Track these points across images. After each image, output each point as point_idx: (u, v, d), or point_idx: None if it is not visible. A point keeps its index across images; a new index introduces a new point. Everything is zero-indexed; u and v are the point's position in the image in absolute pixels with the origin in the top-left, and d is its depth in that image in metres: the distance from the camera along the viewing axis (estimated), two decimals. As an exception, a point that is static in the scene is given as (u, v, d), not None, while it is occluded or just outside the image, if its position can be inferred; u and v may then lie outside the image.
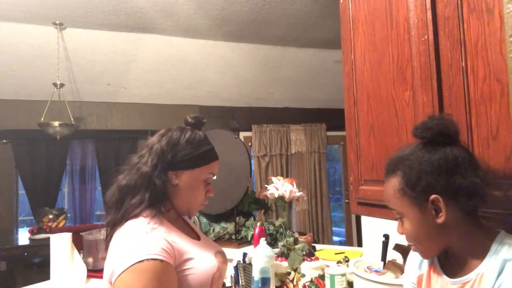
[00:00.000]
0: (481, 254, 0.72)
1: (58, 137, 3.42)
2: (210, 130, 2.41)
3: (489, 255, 0.71)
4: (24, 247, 3.70)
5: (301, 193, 2.11)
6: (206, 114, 4.60)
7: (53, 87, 3.49)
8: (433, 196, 0.72)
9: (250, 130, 4.74)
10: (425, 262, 0.87)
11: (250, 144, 4.68)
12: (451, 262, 0.79)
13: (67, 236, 1.71)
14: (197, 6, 2.98)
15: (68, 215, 4.37)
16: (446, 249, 0.80)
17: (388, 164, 0.81)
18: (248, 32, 3.55)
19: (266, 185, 2.19)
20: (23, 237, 4.00)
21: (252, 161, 4.39)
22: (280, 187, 2.09)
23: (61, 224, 3.99)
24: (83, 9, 2.97)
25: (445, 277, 0.79)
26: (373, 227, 1.67)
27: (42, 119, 3.47)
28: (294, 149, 4.86)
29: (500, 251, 0.70)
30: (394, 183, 0.78)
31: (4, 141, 4.24)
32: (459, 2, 0.85)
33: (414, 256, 0.91)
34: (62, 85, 3.52)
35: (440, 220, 0.73)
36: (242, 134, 4.69)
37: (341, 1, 1.37)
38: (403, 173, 0.76)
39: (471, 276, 0.73)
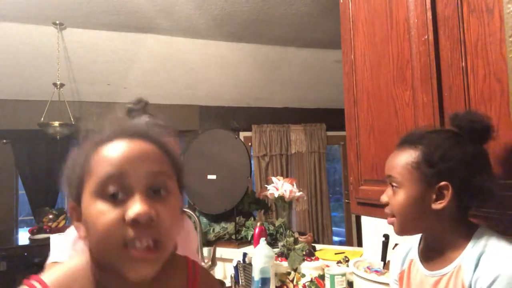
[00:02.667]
0: (461, 247, 0.73)
1: (58, 137, 3.42)
2: (210, 130, 2.41)
3: (467, 248, 0.72)
4: (24, 247, 3.71)
5: (301, 193, 2.12)
6: (206, 114, 4.61)
7: (53, 87, 3.49)
8: (444, 183, 0.72)
9: (250, 130, 4.74)
10: (407, 259, 0.88)
11: (250, 144, 4.68)
12: (431, 256, 0.80)
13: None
14: (197, 6, 2.98)
15: (68, 215, 4.36)
16: (427, 242, 0.82)
17: (408, 135, 0.82)
18: (248, 32, 3.55)
19: (266, 185, 2.19)
20: (23, 237, 4.00)
21: (252, 161, 4.39)
22: (280, 187, 2.09)
23: (61, 224, 3.99)
24: (83, 9, 2.96)
25: (424, 270, 0.80)
26: (373, 227, 1.67)
27: (42, 119, 3.46)
28: (294, 149, 4.86)
29: (478, 245, 0.71)
30: (410, 154, 0.77)
31: (4, 141, 4.24)
32: (459, 2, 0.85)
33: (397, 254, 0.93)
34: (62, 85, 3.52)
35: (437, 206, 0.74)
36: (242, 134, 4.69)
37: (341, 1, 1.37)
38: (426, 149, 0.75)
39: (448, 268, 0.74)
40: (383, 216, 1.11)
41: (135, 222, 0.51)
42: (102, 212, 0.52)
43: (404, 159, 0.78)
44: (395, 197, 0.79)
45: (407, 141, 0.80)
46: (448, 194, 0.72)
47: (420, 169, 0.75)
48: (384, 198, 0.82)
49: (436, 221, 0.76)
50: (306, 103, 4.87)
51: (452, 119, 0.77)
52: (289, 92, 4.64)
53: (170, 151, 0.61)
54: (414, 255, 0.85)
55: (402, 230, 0.81)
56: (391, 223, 0.81)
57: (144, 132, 0.60)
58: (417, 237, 0.88)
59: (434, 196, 0.74)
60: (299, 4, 3.03)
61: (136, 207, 0.51)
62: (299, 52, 4.04)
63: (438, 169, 0.73)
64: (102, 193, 0.53)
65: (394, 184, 0.79)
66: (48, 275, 0.58)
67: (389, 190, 0.81)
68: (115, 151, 0.56)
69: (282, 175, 4.08)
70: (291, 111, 4.91)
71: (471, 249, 0.71)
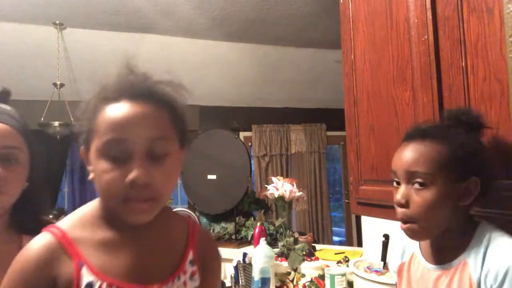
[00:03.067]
0: (465, 242, 0.73)
1: (58, 137, 3.42)
2: (210, 130, 2.41)
3: (472, 243, 0.72)
4: (24, 247, 3.70)
5: (301, 193, 2.11)
6: (206, 114, 4.60)
7: (53, 87, 3.49)
8: (475, 178, 0.71)
9: (250, 130, 4.74)
10: (407, 251, 0.87)
11: (250, 144, 4.68)
12: (434, 250, 0.79)
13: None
14: (197, 6, 2.98)
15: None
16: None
17: (426, 129, 0.76)
18: (248, 32, 3.55)
19: (266, 185, 2.19)
20: (23, 237, 4.00)
21: (252, 161, 4.39)
22: (280, 187, 2.09)
23: (61, 224, 3.99)
24: (83, 9, 2.96)
25: (426, 264, 0.79)
26: (373, 227, 1.67)
27: (42, 119, 3.46)
28: (294, 149, 4.86)
29: (482, 240, 0.71)
30: (437, 149, 0.71)
31: (4, 141, 4.24)
32: (459, 2, 0.85)
33: (396, 247, 0.92)
34: (62, 85, 3.51)
35: (465, 203, 0.72)
36: (242, 134, 4.69)
37: (341, 1, 1.37)
38: (455, 144, 0.71)
39: (453, 263, 0.73)
40: (383, 216, 1.11)
41: (134, 184, 0.58)
42: (105, 170, 0.59)
43: (432, 154, 0.71)
44: (421, 197, 0.71)
45: (428, 135, 0.74)
46: (476, 190, 0.71)
47: (450, 165, 0.71)
48: (401, 199, 0.73)
49: (456, 218, 0.74)
50: (306, 103, 4.87)
51: (458, 116, 0.76)
52: (289, 92, 4.64)
53: (176, 110, 0.65)
54: (416, 248, 0.84)
55: (427, 234, 0.75)
56: (410, 229, 0.74)
57: (149, 92, 0.63)
58: None
59: (461, 193, 0.71)
60: (299, 4, 3.03)
61: (134, 171, 0.57)
62: (299, 52, 4.04)
63: (469, 164, 0.71)
64: (105, 154, 0.59)
65: (420, 181, 0.71)
66: (63, 221, 0.65)
67: (404, 189, 0.74)
68: (118, 114, 0.60)
69: (282, 175, 4.08)
70: (291, 111, 4.91)
71: (476, 244, 0.71)
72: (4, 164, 0.81)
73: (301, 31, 3.56)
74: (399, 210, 0.75)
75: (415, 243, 0.85)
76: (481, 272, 0.68)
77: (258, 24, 3.38)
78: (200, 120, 4.58)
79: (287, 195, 2.07)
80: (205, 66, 3.99)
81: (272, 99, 4.72)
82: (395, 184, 0.78)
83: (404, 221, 0.74)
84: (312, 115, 4.93)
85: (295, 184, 2.13)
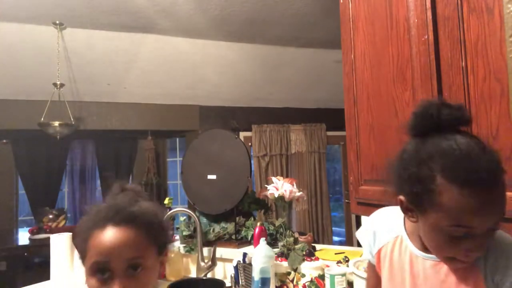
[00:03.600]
0: None
1: (58, 137, 3.42)
2: (210, 130, 2.41)
3: None
4: (24, 247, 3.71)
5: (301, 193, 2.11)
6: (206, 114, 4.60)
7: (53, 87, 3.49)
8: None
9: (250, 130, 4.74)
10: (390, 234, 0.83)
11: (250, 144, 4.68)
12: (417, 236, 0.76)
13: (67, 236, 1.71)
14: (197, 6, 2.98)
15: (68, 215, 4.37)
16: None
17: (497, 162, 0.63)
18: (248, 32, 3.55)
19: (266, 185, 2.19)
20: (23, 237, 4.00)
21: (252, 161, 4.39)
22: (280, 187, 2.09)
23: (61, 224, 3.99)
24: (83, 9, 2.97)
25: (416, 250, 0.76)
26: (373, 227, 1.67)
27: (42, 119, 3.46)
28: (294, 149, 4.86)
29: None
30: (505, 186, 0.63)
31: (4, 141, 4.25)
32: (459, 2, 0.85)
33: (377, 229, 0.87)
34: (62, 85, 3.52)
35: None
36: (242, 134, 4.69)
37: (341, 1, 1.37)
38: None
39: None
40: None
41: None
42: (93, 287, 0.71)
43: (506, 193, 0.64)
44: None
45: (499, 171, 0.63)
46: None
47: None
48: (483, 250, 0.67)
49: None
50: (306, 103, 4.87)
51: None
52: (289, 92, 4.64)
53: (154, 229, 0.77)
54: (401, 231, 0.80)
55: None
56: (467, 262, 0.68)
57: (130, 218, 0.74)
58: (400, 212, 0.77)
59: None
60: (299, 4, 3.03)
61: (115, 286, 0.69)
62: (299, 52, 4.04)
63: None
64: (92, 273, 0.71)
65: (496, 228, 0.65)
66: None
67: (482, 240, 0.65)
68: (103, 240, 0.72)
69: (282, 175, 4.08)
70: (291, 111, 4.91)
71: None
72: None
73: (301, 31, 3.57)
74: (469, 260, 0.67)
75: (399, 226, 0.81)
76: (485, 263, 0.68)
77: (258, 24, 3.38)
78: (200, 120, 4.58)
79: (287, 195, 2.07)
80: (205, 66, 4.00)
81: (272, 99, 4.72)
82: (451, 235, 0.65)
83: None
84: (312, 115, 4.93)
85: (295, 184, 2.12)
